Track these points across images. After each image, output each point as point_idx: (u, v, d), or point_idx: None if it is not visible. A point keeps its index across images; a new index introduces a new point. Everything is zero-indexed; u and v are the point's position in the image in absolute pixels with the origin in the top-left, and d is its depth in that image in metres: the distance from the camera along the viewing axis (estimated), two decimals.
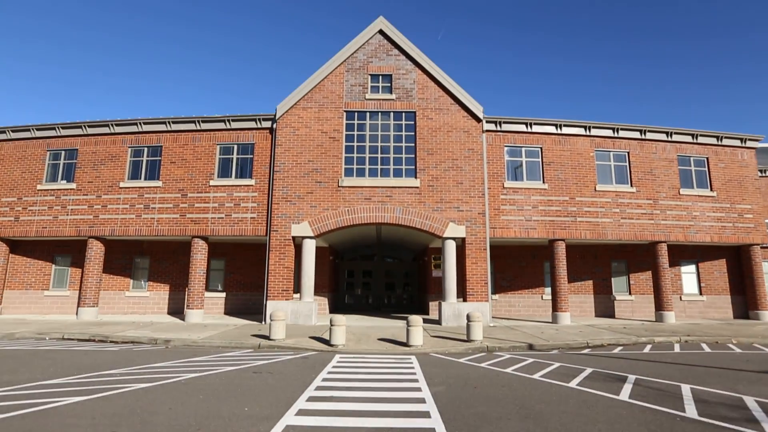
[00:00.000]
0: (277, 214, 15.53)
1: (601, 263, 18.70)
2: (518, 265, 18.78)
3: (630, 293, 18.46)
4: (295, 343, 11.02)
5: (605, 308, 18.36)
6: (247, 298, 18.41)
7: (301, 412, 5.25)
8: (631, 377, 7.38)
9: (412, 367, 8.29)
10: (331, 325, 10.76)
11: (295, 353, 10.02)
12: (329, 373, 7.70)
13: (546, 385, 6.82)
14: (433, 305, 18.64)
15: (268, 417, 5.03)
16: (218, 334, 12.27)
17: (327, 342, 11.03)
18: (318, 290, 18.56)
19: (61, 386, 6.43)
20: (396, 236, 19.58)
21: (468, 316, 11.28)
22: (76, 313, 15.94)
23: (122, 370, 7.67)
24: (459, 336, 12.30)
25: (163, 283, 18.22)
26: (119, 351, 10.05)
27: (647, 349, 10.99)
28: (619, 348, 11.10)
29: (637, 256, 18.64)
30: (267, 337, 11.43)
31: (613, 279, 18.61)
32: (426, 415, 5.21)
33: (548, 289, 18.58)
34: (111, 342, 11.77)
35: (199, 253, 15.98)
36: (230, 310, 18.30)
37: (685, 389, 6.53)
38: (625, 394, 6.24)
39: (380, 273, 23.26)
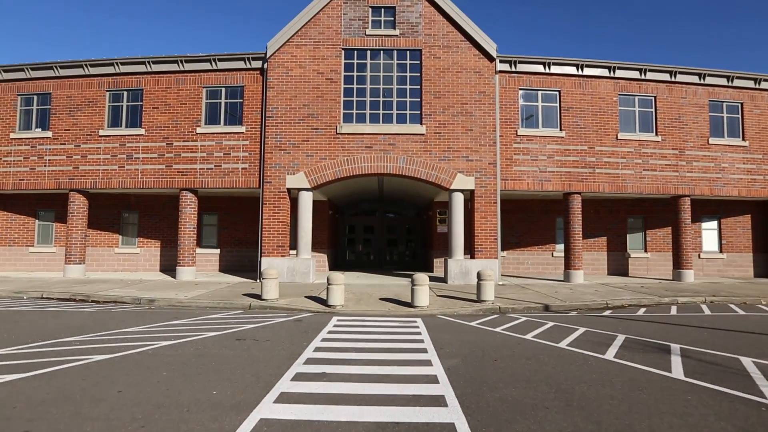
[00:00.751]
0: (270, 164, 14.12)
1: (617, 219, 17.43)
2: (528, 221, 17.55)
3: (645, 250, 17.31)
4: (289, 303, 9.95)
5: (619, 266, 17.27)
6: (242, 255, 17.36)
7: (283, 398, 4.13)
8: (675, 347, 6.26)
9: (419, 333, 7.21)
10: (329, 283, 9.65)
11: (288, 315, 8.96)
12: (323, 340, 6.61)
13: (579, 357, 5.70)
14: (437, 262, 17.59)
15: (239, 405, 3.92)
16: (207, 294, 11.23)
17: (324, 302, 9.96)
18: (316, 246, 17.47)
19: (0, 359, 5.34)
20: (399, 189, 18.24)
21: (478, 275, 10.14)
22: (64, 271, 14.94)
23: (86, 337, 6.59)
24: (467, 295, 11.23)
25: (154, 239, 17.11)
26: (96, 312, 9.01)
27: (673, 311, 9.90)
28: (643, 309, 10.01)
29: (656, 212, 17.33)
30: (259, 297, 10.37)
31: (628, 235, 17.39)
32: (441, 401, 4.09)
33: (559, 246, 17.45)
34: (92, 302, 10.75)
35: (189, 207, 14.72)
36: (225, 268, 17.30)
37: (748, 363, 5.40)
38: (677, 370, 5.12)
39: (382, 229, 22.13)
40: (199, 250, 17.14)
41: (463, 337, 6.94)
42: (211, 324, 7.79)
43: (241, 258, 17.33)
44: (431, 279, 14.64)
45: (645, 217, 17.40)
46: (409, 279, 14.66)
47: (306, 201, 14.15)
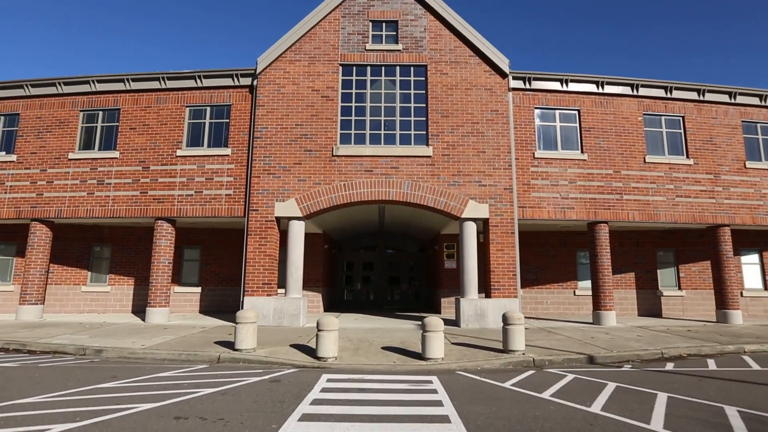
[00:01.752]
0: (257, 189, 12.32)
1: (645, 252, 15.47)
2: (546, 255, 15.57)
3: (679, 288, 15.23)
4: (269, 354, 7.81)
5: (650, 305, 15.13)
6: (226, 294, 15.23)
7: None
8: None
9: (440, 402, 5.10)
10: (319, 329, 7.57)
11: (265, 371, 6.82)
12: (303, 418, 4.51)
13: None
14: (445, 303, 15.45)
15: None
16: (172, 341, 9.07)
17: (313, 353, 7.83)
18: (310, 284, 15.38)
19: None
20: (401, 220, 16.37)
21: (505, 318, 8.07)
22: (17, 313, 12.78)
23: None
24: (488, 342, 9.08)
25: (128, 276, 15.03)
26: (12, 369, 6.87)
27: (753, 364, 7.78)
28: (712, 362, 7.88)
29: (689, 244, 15.40)
30: (233, 346, 8.23)
31: (659, 271, 15.37)
32: None
33: (582, 283, 15.38)
34: (27, 351, 8.61)
35: (164, 239, 12.77)
36: (206, 308, 15.12)
37: None
38: None
39: (383, 265, 20.07)
40: (177, 289, 15.02)
41: (504, 410, 4.84)
42: (154, 388, 5.66)
43: (225, 297, 15.18)
44: None
45: (676, 250, 15.44)
46: (415, 322, 12.52)
47: (297, 232, 12.24)
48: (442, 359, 7.52)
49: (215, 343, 8.84)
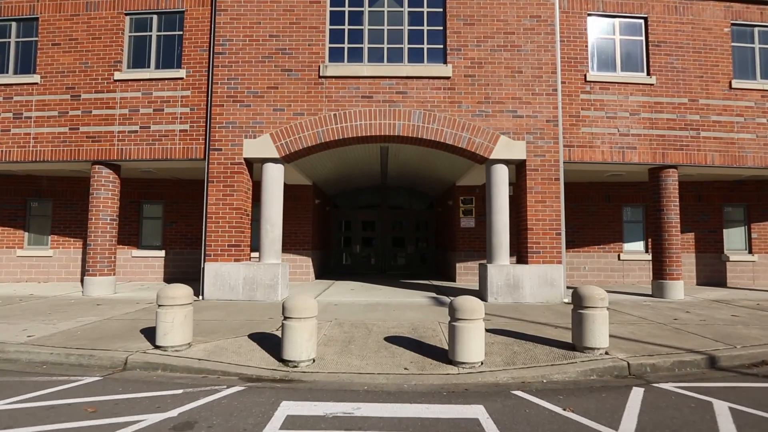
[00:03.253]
0: (220, 122, 9.13)
1: (708, 208, 12.37)
2: (584, 212, 12.51)
3: (750, 251, 12.23)
4: (208, 355, 4.88)
5: (711, 272, 12.19)
6: (195, 259, 12.32)
7: None
8: None
9: None
10: (286, 317, 4.62)
11: (187, 392, 3.90)
12: None
13: None
14: (461, 268, 12.56)
15: None
16: (76, 330, 6.13)
17: (279, 352, 4.91)
18: (297, 247, 12.46)
19: None
20: (408, 170, 13.21)
21: (580, 296, 5.07)
22: None
23: None
24: (538, 329, 6.13)
25: (74, 238, 12.09)
26: None
27: None
28: None
29: (764, 197, 12.28)
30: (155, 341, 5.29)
31: (725, 231, 12.32)
32: None
33: (628, 246, 12.42)
34: None
35: (104, 189, 9.70)
36: (172, 275, 12.27)
37: None
38: None
39: (386, 224, 17.10)
40: (135, 252, 12.12)
41: None
42: None
43: (195, 262, 12.28)
44: (456, 292, 9.54)
45: (747, 205, 12.33)
46: (426, 294, 9.58)
47: (274, 178, 9.14)
48: (480, 365, 4.61)
49: (142, 332, 5.93)
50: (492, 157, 9.05)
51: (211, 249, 8.93)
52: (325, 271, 15.62)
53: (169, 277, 12.24)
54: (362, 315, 7.17)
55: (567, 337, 5.58)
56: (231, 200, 9.02)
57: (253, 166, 9.56)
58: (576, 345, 5.10)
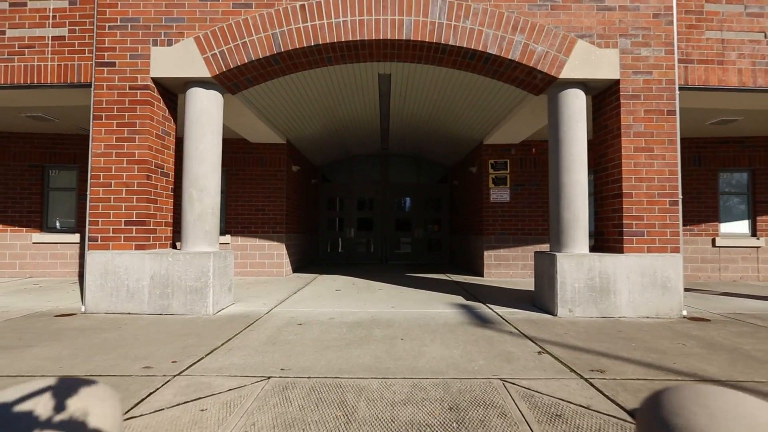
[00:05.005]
0: (111, 18, 5.44)
1: None
2: None
3: None
4: None
5: None
6: None
7: None
8: None
9: None
10: None
11: None
12: None
13: None
14: (491, 258, 8.96)
15: None
16: None
17: None
18: (266, 228, 8.87)
19: None
20: (419, 119, 9.48)
21: None
22: None
23: None
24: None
25: None
26: None
27: None
28: None
29: None
30: None
31: None
32: None
33: (725, 227, 8.77)
34: None
35: None
36: None
37: None
38: None
39: (387, 202, 13.47)
40: (37, 237, 8.53)
41: None
42: None
43: None
44: (499, 297, 5.84)
45: None
46: (449, 297, 5.56)
47: (203, 112, 5.46)
48: None
49: None
50: (562, 76, 5.34)
51: (98, 229, 5.30)
52: (309, 260, 12.03)
53: None
54: (341, 355, 3.53)
55: None
56: (131, 148, 5.36)
57: (164, 87, 5.86)
58: None
